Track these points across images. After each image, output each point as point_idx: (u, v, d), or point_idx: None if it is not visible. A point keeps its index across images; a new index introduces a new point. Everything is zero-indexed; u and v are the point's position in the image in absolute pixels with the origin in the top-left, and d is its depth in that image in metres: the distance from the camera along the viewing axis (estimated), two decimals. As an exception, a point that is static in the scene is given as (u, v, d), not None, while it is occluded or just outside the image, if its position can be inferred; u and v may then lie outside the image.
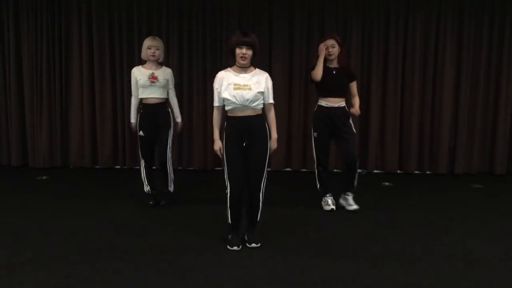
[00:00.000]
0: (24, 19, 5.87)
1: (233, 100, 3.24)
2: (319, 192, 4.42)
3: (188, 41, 5.91)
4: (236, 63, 3.29)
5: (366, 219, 4.09)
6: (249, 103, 3.25)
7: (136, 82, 4.26)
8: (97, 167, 6.11)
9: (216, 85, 3.34)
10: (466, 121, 5.89)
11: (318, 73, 4.11)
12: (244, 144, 3.31)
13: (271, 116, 3.40)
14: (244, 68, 3.29)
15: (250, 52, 3.22)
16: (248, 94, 3.23)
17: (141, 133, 4.32)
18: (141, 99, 4.31)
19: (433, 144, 5.98)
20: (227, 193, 3.33)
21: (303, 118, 5.95)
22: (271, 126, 3.39)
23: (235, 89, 3.23)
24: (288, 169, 6.11)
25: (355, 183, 4.31)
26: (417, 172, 6.02)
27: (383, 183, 5.45)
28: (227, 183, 3.32)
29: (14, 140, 6.06)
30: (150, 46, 4.23)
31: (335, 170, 6.04)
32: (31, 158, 6.07)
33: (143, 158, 4.39)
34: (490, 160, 5.99)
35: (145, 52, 4.27)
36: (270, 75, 3.41)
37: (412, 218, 4.13)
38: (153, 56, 4.24)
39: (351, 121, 4.28)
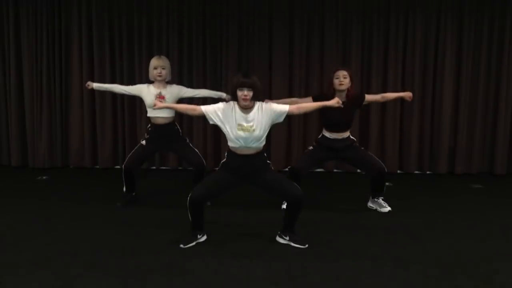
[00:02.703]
0: (24, 19, 5.85)
1: (236, 141, 3.30)
2: None
3: (188, 41, 5.90)
4: (239, 104, 3.32)
5: (366, 219, 4.09)
6: (252, 143, 3.30)
7: (139, 92, 4.29)
8: (97, 167, 6.11)
9: (221, 105, 3.36)
10: (466, 121, 5.88)
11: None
12: (249, 181, 3.42)
13: (303, 105, 3.57)
14: (246, 109, 3.32)
15: (251, 94, 3.24)
16: (252, 136, 3.28)
17: (143, 142, 4.33)
18: (149, 118, 4.34)
19: (433, 144, 5.97)
20: (192, 193, 3.34)
21: (303, 117, 5.95)
22: (314, 105, 3.58)
23: (238, 130, 3.27)
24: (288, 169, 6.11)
25: (385, 188, 4.34)
26: (417, 172, 6.01)
27: (383, 183, 5.45)
28: (200, 187, 3.37)
29: (14, 140, 6.05)
30: (156, 66, 4.23)
31: (335, 170, 6.06)
32: (31, 158, 6.07)
33: (126, 163, 4.32)
34: (490, 160, 5.98)
35: (152, 73, 4.28)
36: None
37: (412, 218, 4.13)
38: (160, 76, 4.24)
39: (356, 144, 4.27)
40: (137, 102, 5.92)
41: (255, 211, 4.25)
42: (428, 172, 6.01)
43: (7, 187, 5.14)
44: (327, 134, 4.21)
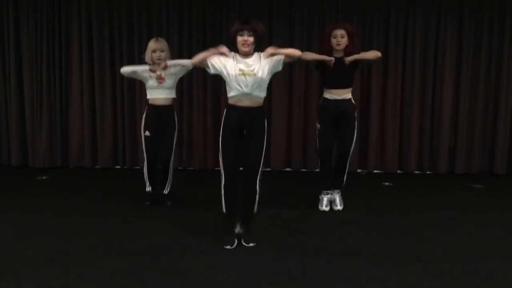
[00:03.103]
0: (24, 19, 5.86)
1: (238, 87, 3.19)
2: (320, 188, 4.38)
3: (188, 41, 5.90)
4: (239, 51, 3.23)
5: (366, 219, 4.09)
6: (253, 90, 3.20)
7: (144, 75, 4.21)
8: (97, 167, 6.11)
9: (223, 56, 3.25)
10: (466, 121, 5.89)
11: (308, 57, 3.94)
12: (244, 132, 3.27)
13: (288, 50, 3.27)
14: (246, 56, 3.23)
15: (251, 39, 3.15)
16: (253, 80, 3.17)
17: (146, 133, 4.32)
18: (147, 100, 4.32)
19: (433, 144, 5.98)
20: (222, 181, 3.31)
21: (303, 118, 5.95)
22: (284, 50, 3.24)
23: (239, 75, 3.18)
24: (288, 169, 6.10)
25: (344, 179, 4.28)
26: (417, 172, 6.01)
27: (383, 183, 5.45)
28: (222, 171, 3.31)
29: (14, 140, 6.06)
30: (155, 50, 4.18)
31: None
32: (31, 158, 6.07)
33: (148, 159, 4.36)
34: (490, 160, 5.98)
35: (150, 56, 4.22)
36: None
37: (412, 218, 4.13)
38: (159, 59, 4.19)
39: (356, 114, 4.20)
40: (137, 102, 5.92)
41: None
42: (428, 172, 6.01)
43: (7, 187, 5.15)
44: (327, 95, 4.11)
